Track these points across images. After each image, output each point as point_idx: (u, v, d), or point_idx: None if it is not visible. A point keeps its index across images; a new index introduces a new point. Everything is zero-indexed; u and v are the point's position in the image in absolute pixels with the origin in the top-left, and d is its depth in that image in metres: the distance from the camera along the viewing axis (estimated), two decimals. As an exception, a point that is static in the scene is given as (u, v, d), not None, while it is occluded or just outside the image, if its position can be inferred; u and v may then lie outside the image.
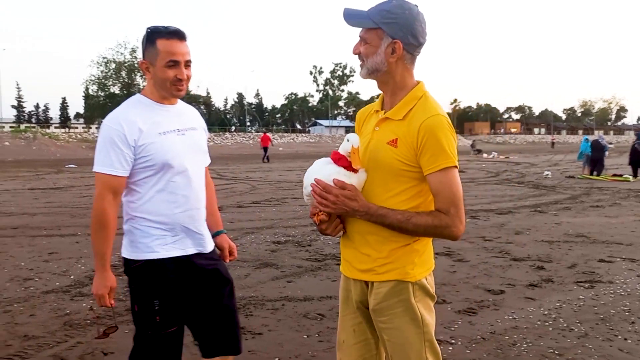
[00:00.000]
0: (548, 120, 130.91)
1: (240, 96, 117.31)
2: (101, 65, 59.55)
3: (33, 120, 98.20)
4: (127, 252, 2.21)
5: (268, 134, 35.86)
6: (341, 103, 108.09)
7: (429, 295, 1.84)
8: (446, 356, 3.46)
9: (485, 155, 38.24)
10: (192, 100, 75.98)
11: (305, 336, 3.83)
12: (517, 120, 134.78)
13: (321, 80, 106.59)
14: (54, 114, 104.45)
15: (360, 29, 1.80)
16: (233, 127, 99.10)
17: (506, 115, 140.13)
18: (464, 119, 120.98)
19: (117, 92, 60.41)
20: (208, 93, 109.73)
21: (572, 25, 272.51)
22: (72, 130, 70.07)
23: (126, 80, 60.82)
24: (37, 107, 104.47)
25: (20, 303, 4.54)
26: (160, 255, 2.16)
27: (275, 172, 21.39)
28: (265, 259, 6.11)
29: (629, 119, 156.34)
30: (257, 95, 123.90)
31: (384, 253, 1.78)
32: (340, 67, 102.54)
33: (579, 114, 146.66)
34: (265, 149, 31.82)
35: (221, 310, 2.31)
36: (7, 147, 37.71)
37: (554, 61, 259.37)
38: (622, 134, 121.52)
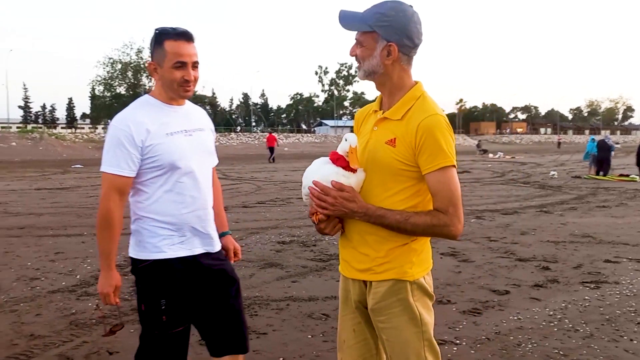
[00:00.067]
0: (554, 120, 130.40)
1: (246, 96, 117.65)
2: (107, 66, 59.74)
3: (40, 120, 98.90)
4: (134, 252, 2.22)
5: (274, 134, 35.80)
6: (346, 103, 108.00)
7: (428, 294, 1.84)
8: (451, 357, 3.46)
9: (491, 155, 38.18)
10: (198, 100, 76.21)
11: (309, 336, 3.83)
12: (523, 120, 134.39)
13: (326, 81, 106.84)
14: (61, 114, 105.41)
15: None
16: (238, 128, 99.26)
17: (512, 115, 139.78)
18: (470, 119, 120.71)
19: (123, 92, 60.53)
20: (214, 93, 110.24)
21: (578, 24, 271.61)
22: (78, 130, 70.48)
23: (132, 81, 60.86)
24: (43, 107, 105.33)
25: (26, 302, 4.57)
26: (167, 255, 2.17)
27: (280, 172, 21.40)
28: (270, 259, 6.12)
29: (636, 119, 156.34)
30: (263, 95, 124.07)
31: (382, 252, 1.78)
32: (345, 67, 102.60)
33: (586, 114, 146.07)
34: (271, 149, 31.68)
35: (228, 309, 2.32)
36: (14, 148, 37.93)
37: (560, 61, 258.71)
38: (629, 134, 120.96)
